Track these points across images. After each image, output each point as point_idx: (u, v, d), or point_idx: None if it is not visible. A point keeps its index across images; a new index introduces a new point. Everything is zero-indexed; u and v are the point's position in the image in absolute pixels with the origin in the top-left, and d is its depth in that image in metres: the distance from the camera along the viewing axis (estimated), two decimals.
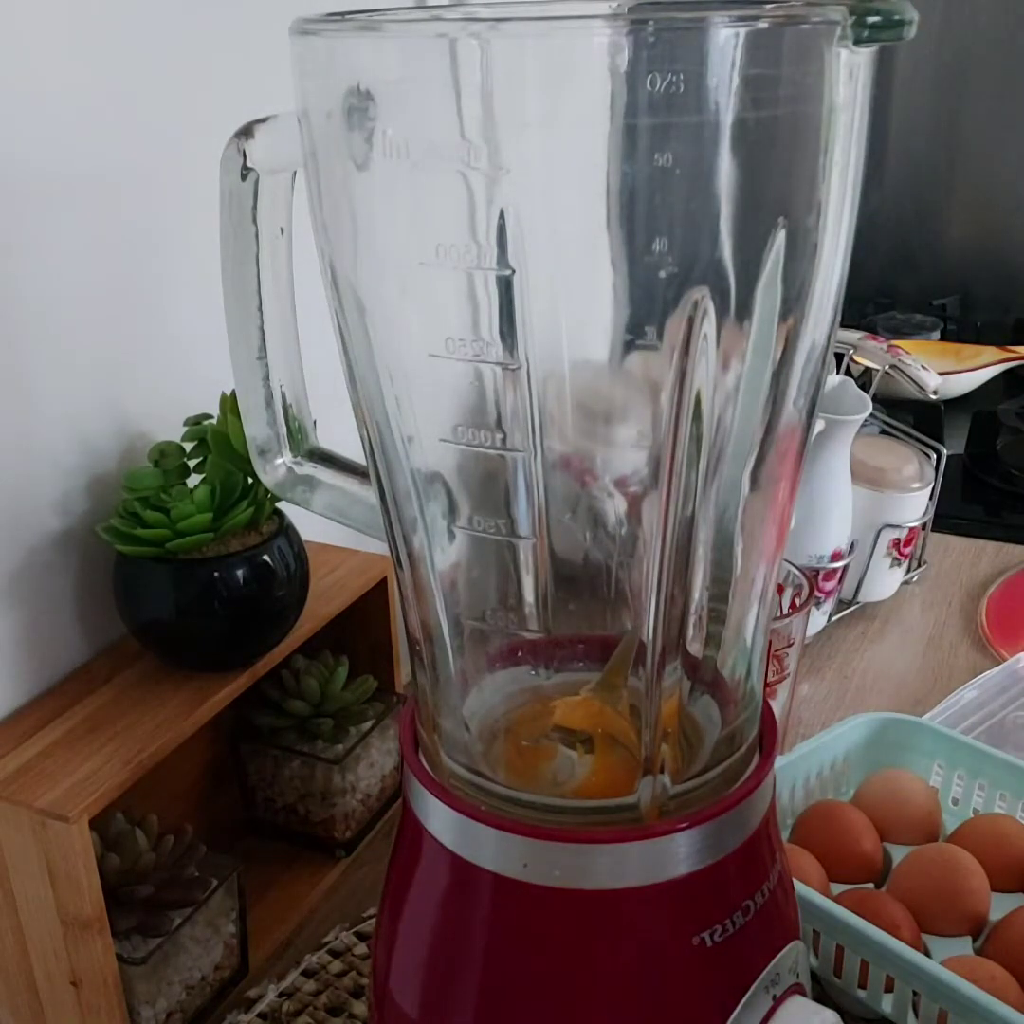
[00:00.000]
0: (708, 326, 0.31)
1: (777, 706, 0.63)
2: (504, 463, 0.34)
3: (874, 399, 0.82)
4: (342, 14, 0.31)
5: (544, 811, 0.37)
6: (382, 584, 0.64)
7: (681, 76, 0.28)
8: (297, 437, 0.42)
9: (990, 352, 1.26)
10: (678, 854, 0.36)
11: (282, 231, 0.39)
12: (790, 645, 0.62)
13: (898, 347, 0.96)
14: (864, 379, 0.92)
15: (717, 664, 0.39)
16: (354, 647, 0.66)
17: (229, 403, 0.54)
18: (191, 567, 0.54)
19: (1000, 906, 0.55)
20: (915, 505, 0.85)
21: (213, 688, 0.54)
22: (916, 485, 0.85)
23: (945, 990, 0.47)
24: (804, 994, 0.40)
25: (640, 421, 0.35)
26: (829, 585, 0.81)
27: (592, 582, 0.40)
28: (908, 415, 1.03)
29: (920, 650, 0.84)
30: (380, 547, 0.41)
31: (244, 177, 0.37)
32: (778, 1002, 0.38)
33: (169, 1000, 0.53)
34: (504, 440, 0.34)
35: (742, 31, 0.28)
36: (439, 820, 0.37)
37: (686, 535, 0.34)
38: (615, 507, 0.38)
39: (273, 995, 0.56)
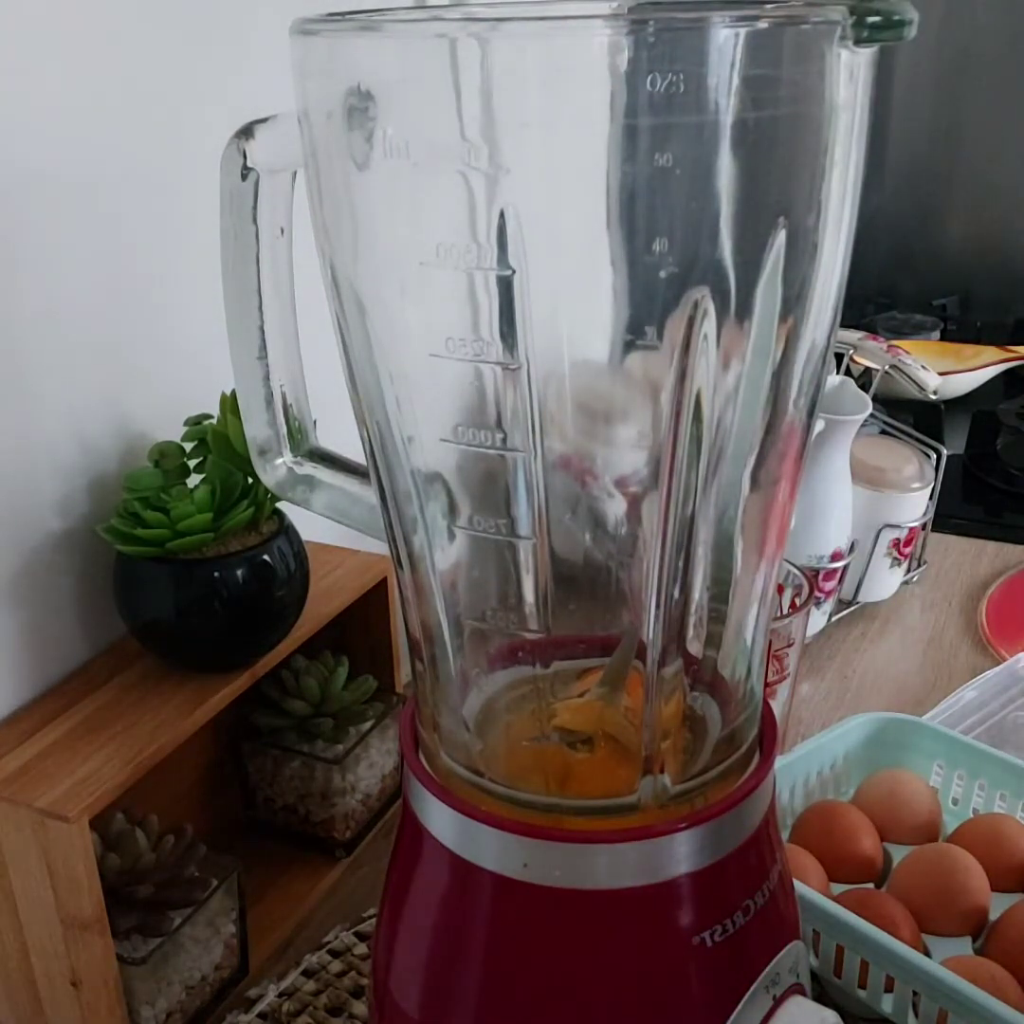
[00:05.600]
0: (708, 326, 0.31)
1: (777, 706, 0.63)
2: (504, 463, 0.34)
3: (874, 399, 0.82)
4: (342, 14, 0.31)
5: (544, 811, 0.37)
6: (382, 584, 0.64)
7: (681, 76, 0.28)
8: (297, 437, 0.42)
9: (990, 352, 1.26)
10: (678, 854, 0.36)
11: (282, 231, 0.39)
12: (790, 645, 0.62)
13: (898, 347, 0.96)
14: (864, 379, 0.92)
15: (717, 664, 0.39)
16: (354, 647, 0.66)
17: (229, 403, 0.54)
18: (191, 567, 0.54)
19: (1000, 906, 0.55)
20: (915, 505, 0.85)
21: (213, 688, 0.54)
22: (916, 485, 0.85)
23: (945, 990, 0.47)
24: (804, 994, 0.40)
25: (640, 421, 0.35)
26: (829, 585, 0.81)
27: (592, 582, 0.40)
28: (908, 415, 1.03)
29: (920, 650, 0.84)
30: (380, 547, 0.41)
31: (244, 177, 0.37)
32: (778, 1002, 0.38)
33: (169, 1000, 0.53)
34: (504, 440, 0.34)
35: (742, 31, 0.28)
36: (439, 820, 0.37)
37: (686, 535, 0.34)
38: (615, 507, 0.38)
39: (273, 995, 0.56)
